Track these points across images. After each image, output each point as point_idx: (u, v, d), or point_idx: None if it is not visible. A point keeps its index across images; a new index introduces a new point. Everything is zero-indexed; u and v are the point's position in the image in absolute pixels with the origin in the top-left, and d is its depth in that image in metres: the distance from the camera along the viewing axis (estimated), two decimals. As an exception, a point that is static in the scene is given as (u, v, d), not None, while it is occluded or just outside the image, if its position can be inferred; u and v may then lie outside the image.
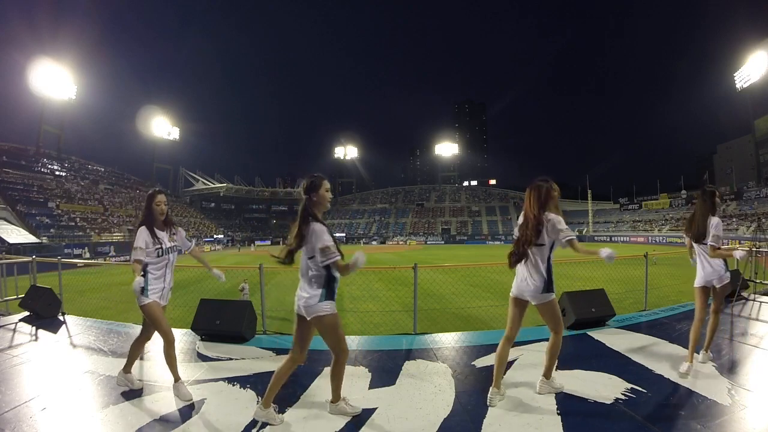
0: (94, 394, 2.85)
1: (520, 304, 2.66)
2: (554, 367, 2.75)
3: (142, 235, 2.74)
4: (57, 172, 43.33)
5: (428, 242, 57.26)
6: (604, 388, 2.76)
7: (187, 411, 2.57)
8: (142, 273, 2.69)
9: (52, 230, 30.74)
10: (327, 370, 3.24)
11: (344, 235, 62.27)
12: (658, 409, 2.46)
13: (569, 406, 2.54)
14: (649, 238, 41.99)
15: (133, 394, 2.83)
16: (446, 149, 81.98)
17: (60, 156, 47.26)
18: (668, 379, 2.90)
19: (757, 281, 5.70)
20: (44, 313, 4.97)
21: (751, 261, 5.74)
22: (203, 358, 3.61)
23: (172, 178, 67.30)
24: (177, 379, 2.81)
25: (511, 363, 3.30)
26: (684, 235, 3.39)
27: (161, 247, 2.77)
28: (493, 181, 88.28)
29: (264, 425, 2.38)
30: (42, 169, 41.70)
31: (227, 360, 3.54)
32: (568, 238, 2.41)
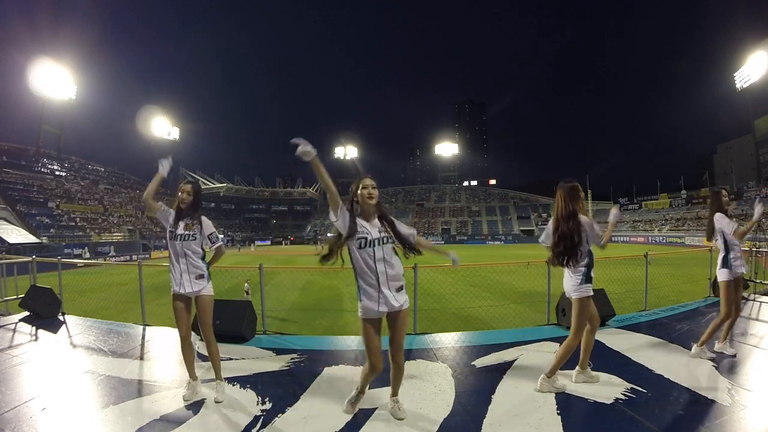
0: (94, 394, 2.85)
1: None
2: (559, 368, 2.76)
3: (173, 209, 2.91)
4: (57, 172, 43.35)
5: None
6: (604, 388, 2.76)
7: (187, 411, 2.57)
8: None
9: (52, 230, 30.76)
10: (327, 370, 3.25)
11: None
12: (658, 409, 2.46)
13: (569, 406, 2.54)
14: (649, 238, 41.98)
15: (133, 394, 2.83)
16: (446, 149, 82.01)
17: (60, 156, 47.26)
18: (668, 379, 2.89)
19: (757, 281, 5.70)
20: (44, 313, 4.97)
21: (751, 261, 5.74)
22: (203, 358, 3.59)
23: (172, 178, 66.93)
24: (193, 377, 2.84)
25: (511, 363, 3.30)
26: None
27: (173, 232, 2.79)
28: (493, 181, 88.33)
29: (264, 425, 2.38)
30: (42, 169, 41.72)
31: (227, 360, 3.53)
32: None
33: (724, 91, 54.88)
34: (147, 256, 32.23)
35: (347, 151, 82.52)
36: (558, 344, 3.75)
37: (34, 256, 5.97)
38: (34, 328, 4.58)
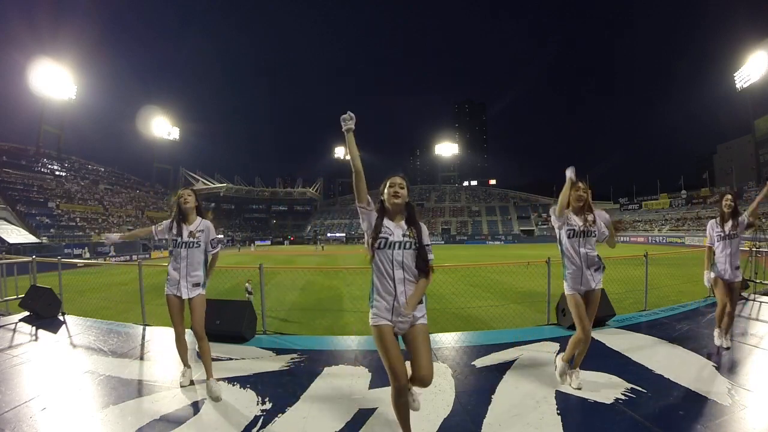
0: (94, 394, 2.85)
1: None
2: (573, 355, 2.80)
3: (167, 221, 3.00)
4: (57, 172, 43.36)
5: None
6: (604, 388, 2.76)
7: (187, 411, 2.57)
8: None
9: (52, 230, 30.76)
10: (327, 370, 3.25)
11: (344, 235, 62.25)
12: (658, 409, 2.46)
13: (569, 406, 2.54)
14: (649, 238, 41.98)
15: (133, 394, 2.83)
16: (446, 149, 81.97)
17: (60, 156, 47.27)
18: (668, 379, 2.89)
19: (757, 281, 5.70)
20: (44, 313, 4.97)
21: (751, 261, 5.74)
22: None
23: (172, 178, 67.24)
24: (186, 365, 3.01)
25: (511, 363, 3.30)
26: None
27: (177, 240, 2.89)
28: (493, 181, 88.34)
29: (264, 425, 2.38)
30: (42, 169, 41.73)
31: (227, 360, 3.54)
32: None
33: (724, 91, 54.89)
34: (147, 256, 32.21)
35: (347, 151, 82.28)
36: (558, 344, 3.76)
37: (34, 256, 5.97)
38: (34, 328, 4.58)
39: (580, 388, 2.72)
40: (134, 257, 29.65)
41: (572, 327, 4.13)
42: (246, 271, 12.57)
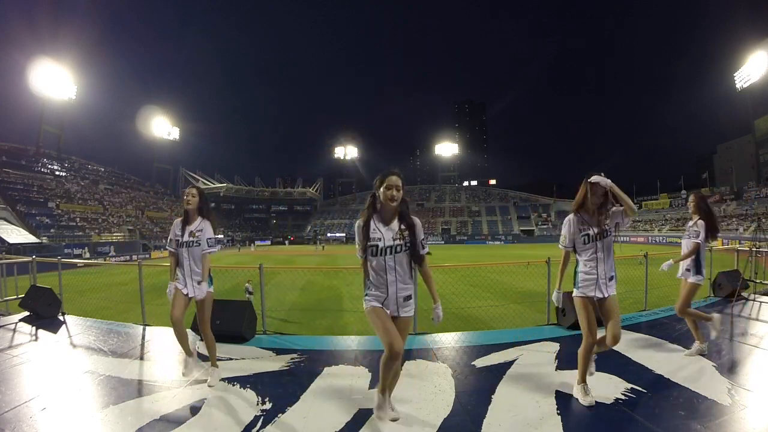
0: (94, 394, 2.85)
1: None
2: (585, 373, 2.61)
3: (173, 226, 3.04)
4: (57, 172, 43.34)
5: (428, 242, 57.14)
6: (604, 388, 2.75)
7: (187, 411, 2.57)
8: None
9: (52, 230, 30.75)
10: (327, 370, 3.25)
11: (344, 235, 62.23)
12: (658, 409, 2.46)
13: (569, 406, 2.54)
14: (649, 238, 42.01)
15: (133, 394, 2.83)
16: (446, 149, 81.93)
17: (60, 156, 47.26)
18: (668, 379, 2.89)
19: (757, 281, 5.70)
20: (44, 313, 4.97)
21: (751, 261, 5.74)
22: (203, 358, 3.60)
23: (172, 178, 67.28)
24: (189, 353, 3.06)
25: (511, 363, 3.30)
26: None
27: (178, 240, 2.97)
28: (493, 181, 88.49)
29: (264, 425, 2.38)
30: (42, 169, 41.72)
31: (227, 360, 3.53)
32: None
33: (724, 91, 54.88)
34: (147, 256, 32.23)
35: (347, 151, 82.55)
36: (558, 344, 3.76)
37: (34, 256, 5.97)
38: (34, 328, 4.58)
39: (593, 405, 2.50)
40: (134, 257, 29.66)
41: (572, 327, 4.14)
42: (246, 271, 12.57)
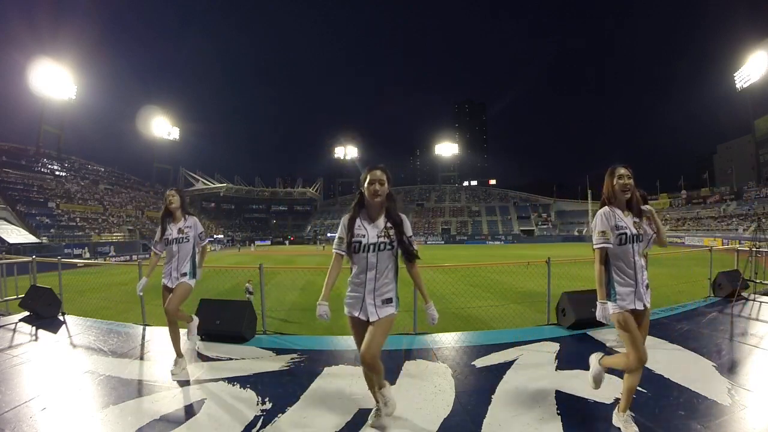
0: (94, 394, 2.85)
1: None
2: (630, 398, 2.24)
3: (158, 231, 3.24)
4: (57, 172, 43.33)
5: (428, 242, 57.18)
6: (604, 388, 2.74)
7: (187, 411, 2.57)
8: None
9: (52, 230, 30.75)
10: (327, 370, 3.25)
11: (344, 235, 62.04)
12: (658, 409, 2.46)
13: (569, 406, 2.54)
14: (649, 238, 41.95)
15: (133, 394, 2.83)
16: (446, 149, 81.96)
17: (60, 156, 47.25)
18: (668, 379, 2.89)
19: (757, 281, 5.70)
20: (44, 313, 4.97)
21: (751, 261, 5.74)
22: (203, 358, 3.61)
23: (172, 178, 67.14)
24: (179, 354, 3.23)
25: (511, 363, 3.30)
26: None
27: (168, 238, 3.17)
28: (493, 181, 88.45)
29: (264, 425, 2.38)
30: (42, 169, 41.70)
31: (227, 360, 3.54)
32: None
33: (724, 91, 54.90)
34: (147, 256, 32.14)
35: (347, 151, 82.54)
36: (558, 344, 3.76)
37: (34, 256, 5.97)
38: (34, 328, 4.58)
39: None
40: (134, 257, 29.65)
41: (572, 327, 4.14)
42: (246, 271, 12.58)
